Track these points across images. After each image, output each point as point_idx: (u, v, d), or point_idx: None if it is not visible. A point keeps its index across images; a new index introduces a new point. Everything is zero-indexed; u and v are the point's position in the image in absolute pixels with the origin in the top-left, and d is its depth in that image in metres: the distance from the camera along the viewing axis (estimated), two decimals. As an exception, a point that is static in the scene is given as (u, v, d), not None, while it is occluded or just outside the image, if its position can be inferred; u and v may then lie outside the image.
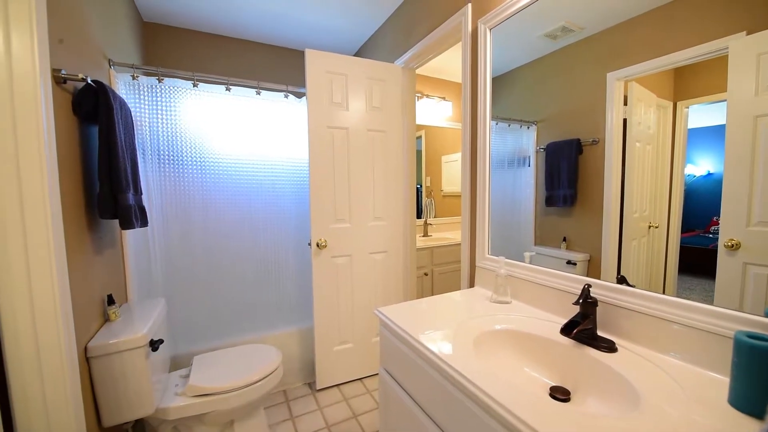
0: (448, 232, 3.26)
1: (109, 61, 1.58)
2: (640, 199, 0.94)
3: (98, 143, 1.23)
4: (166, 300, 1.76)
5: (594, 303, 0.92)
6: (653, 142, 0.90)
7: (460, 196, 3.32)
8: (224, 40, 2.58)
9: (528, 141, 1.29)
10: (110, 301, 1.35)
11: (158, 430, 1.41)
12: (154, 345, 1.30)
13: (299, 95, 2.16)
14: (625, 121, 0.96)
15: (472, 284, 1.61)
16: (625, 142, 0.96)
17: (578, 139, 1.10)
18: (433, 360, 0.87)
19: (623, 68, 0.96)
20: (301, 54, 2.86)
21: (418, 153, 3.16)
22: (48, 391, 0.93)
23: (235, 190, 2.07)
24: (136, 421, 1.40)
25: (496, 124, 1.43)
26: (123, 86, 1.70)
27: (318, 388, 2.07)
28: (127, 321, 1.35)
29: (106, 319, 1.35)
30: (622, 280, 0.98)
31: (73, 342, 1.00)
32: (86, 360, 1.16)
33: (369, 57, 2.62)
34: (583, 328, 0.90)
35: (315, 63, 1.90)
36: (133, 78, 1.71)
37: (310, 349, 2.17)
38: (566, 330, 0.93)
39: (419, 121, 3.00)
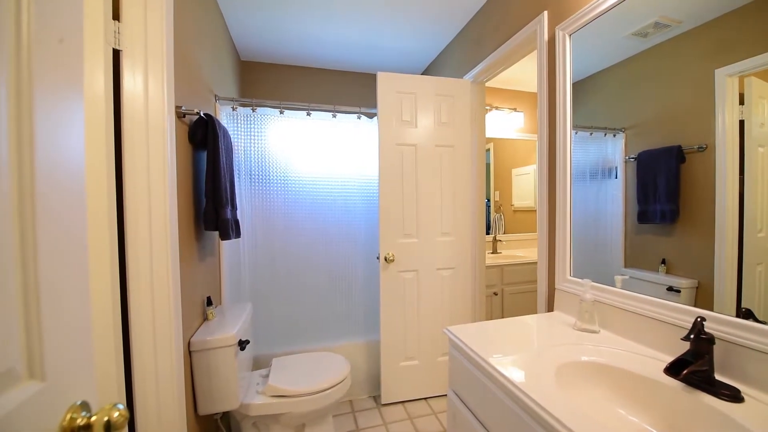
0: (519, 250, 3.06)
1: (215, 96, 1.87)
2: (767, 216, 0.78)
3: (206, 166, 1.45)
4: (252, 304, 1.96)
5: (710, 340, 0.78)
6: (785, 147, 0.75)
7: (532, 211, 3.13)
8: (305, 70, 2.87)
9: (614, 150, 1.17)
10: (209, 302, 1.55)
11: (241, 424, 1.55)
12: (242, 345, 1.45)
13: (371, 116, 2.27)
14: (741, 122, 0.82)
15: (550, 308, 1.48)
16: (743, 148, 0.82)
17: (679, 146, 0.96)
18: (509, 388, 0.82)
19: (736, 63, 0.82)
20: (372, 76, 3.03)
21: (487, 166, 3.06)
22: (160, 378, 1.10)
23: (311, 206, 2.24)
24: (224, 413, 1.56)
25: (576, 133, 1.33)
26: (225, 116, 1.98)
27: (383, 402, 2.07)
28: (221, 321, 1.53)
29: (205, 318, 1.55)
30: (748, 314, 0.81)
31: (181, 337, 1.17)
32: (189, 354, 1.34)
33: (437, 74, 2.66)
34: (697, 369, 0.76)
35: (385, 84, 2.00)
36: (233, 109, 1.99)
37: (376, 362, 2.20)
38: (673, 369, 0.80)
39: (488, 133, 2.91)
